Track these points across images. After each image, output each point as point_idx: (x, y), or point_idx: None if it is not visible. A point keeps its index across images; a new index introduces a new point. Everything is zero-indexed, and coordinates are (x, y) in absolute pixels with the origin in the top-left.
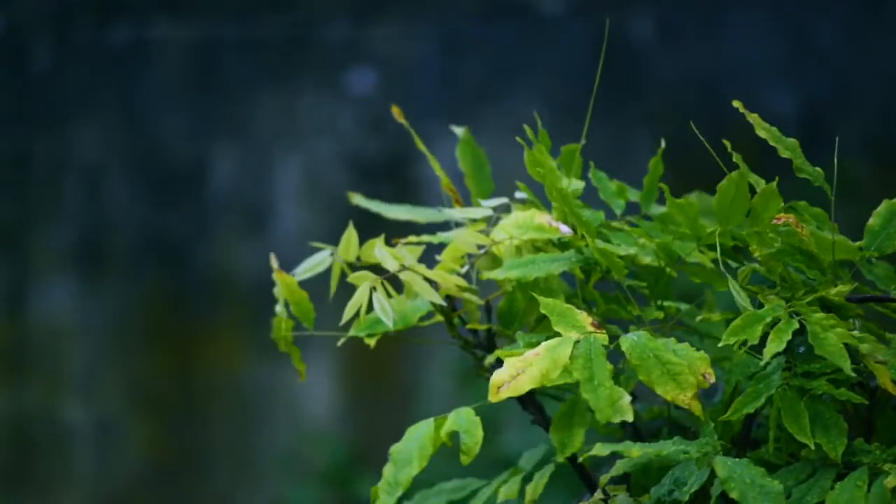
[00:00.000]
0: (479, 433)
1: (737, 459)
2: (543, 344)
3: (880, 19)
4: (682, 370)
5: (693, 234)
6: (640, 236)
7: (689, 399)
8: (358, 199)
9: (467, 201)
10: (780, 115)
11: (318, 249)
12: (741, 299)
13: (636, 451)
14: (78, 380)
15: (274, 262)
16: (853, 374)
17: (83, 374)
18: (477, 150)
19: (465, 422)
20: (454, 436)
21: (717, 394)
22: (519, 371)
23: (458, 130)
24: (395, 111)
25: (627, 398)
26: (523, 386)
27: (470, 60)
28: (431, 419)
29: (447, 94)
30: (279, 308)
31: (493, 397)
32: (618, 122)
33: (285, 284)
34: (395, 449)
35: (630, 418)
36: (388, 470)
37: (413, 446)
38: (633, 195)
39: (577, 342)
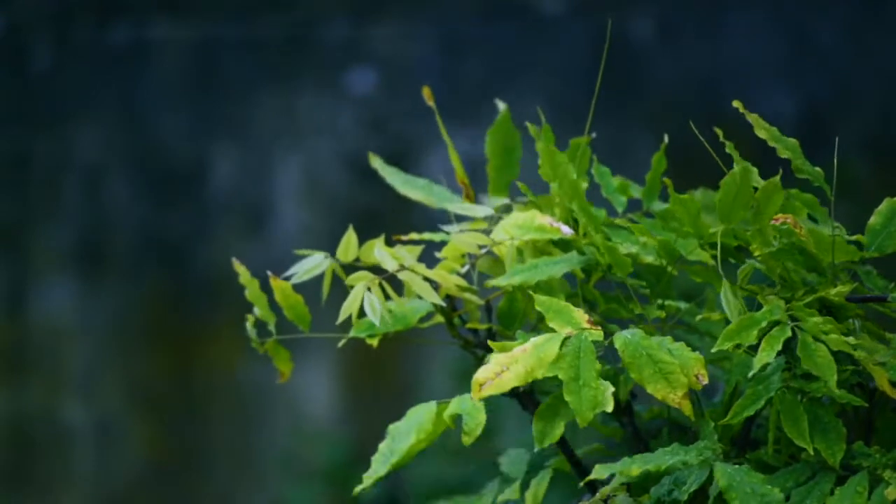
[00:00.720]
0: (482, 416)
1: (737, 467)
2: (532, 340)
3: (880, 19)
4: (673, 369)
5: (695, 231)
6: (642, 234)
7: (680, 398)
8: (377, 164)
9: (482, 192)
10: (780, 115)
11: (306, 257)
12: (731, 306)
13: (635, 470)
14: (78, 380)
15: (245, 272)
16: (836, 391)
17: (83, 374)
18: (512, 131)
19: (467, 405)
20: (457, 420)
21: (717, 394)
22: (503, 368)
23: (500, 106)
24: (426, 93)
25: (610, 389)
26: (507, 383)
27: (470, 60)
28: (434, 402)
29: (447, 94)
30: (256, 311)
31: (475, 395)
32: (618, 122)
33: (279, 289)
34: (393, 426)
35: (609, 409)
36: (383, 444)
37: (412, 423)
38: (636, 191)
39: (566, 339)
